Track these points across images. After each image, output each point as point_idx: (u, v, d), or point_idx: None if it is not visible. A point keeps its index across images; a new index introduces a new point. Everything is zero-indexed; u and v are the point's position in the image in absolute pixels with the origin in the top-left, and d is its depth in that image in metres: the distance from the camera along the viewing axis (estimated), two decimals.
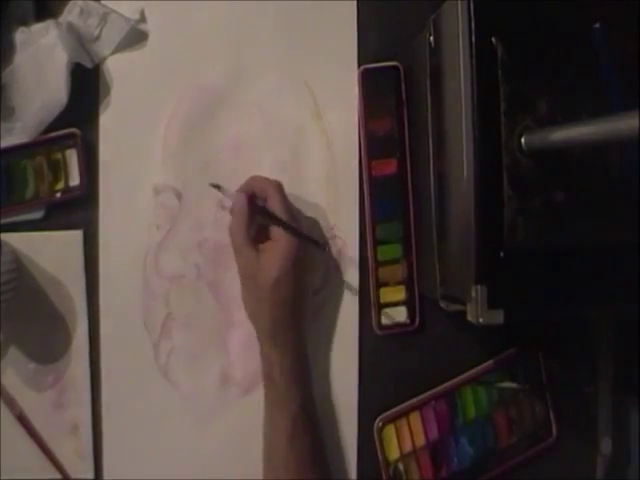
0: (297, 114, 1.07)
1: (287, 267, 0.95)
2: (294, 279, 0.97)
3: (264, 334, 0.99)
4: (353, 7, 1.07)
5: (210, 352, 1.07)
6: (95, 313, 1.07)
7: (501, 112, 0.80)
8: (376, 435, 1.06)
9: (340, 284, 1.08)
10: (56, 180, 1.05)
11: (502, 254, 0.81)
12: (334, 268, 1.08)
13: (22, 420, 1.06)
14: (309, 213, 1.07)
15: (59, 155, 1.05)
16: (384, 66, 1.06)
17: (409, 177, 1.07)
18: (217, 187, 1.03)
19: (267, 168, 1.06)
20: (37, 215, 1.06)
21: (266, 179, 1.01)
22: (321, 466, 1.00)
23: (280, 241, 0.96)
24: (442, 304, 0.96)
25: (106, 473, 1.07)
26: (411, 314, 1.08)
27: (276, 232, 0.98)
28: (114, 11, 1.03)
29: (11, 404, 1.06)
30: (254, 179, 1.02)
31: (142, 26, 1.06)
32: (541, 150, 0.78)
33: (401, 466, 1.06)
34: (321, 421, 1.02)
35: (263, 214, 0.99)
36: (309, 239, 0.97)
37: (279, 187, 1.00)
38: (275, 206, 0.98)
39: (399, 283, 1.08)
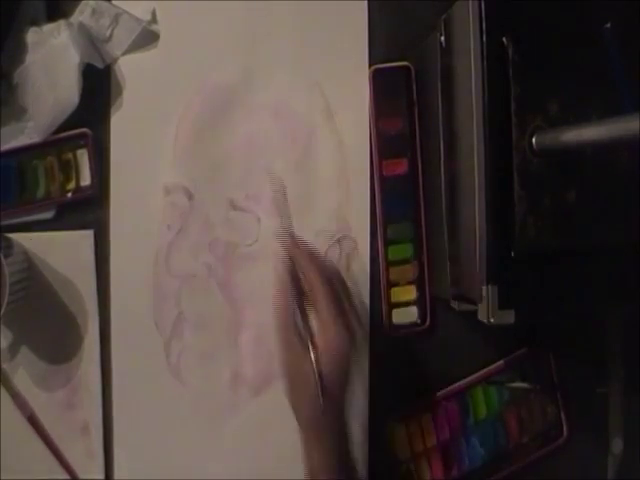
0: (308, 114, 1.07)
1: (331, 365, 0.88)
2: (337, 376, 0.89)
3: (303, 428, 0.92)
4: (364, 7, 1.07)
5: (221, 352, 1.07)
6: (106, 313, 1.07)
7: (512, 112, 0.79)
8: (387, 435, 1.06)
9: (351, 284, 1.08)
10: (67, 180, 1.06)
11: (513, 254, 0.81)
12: (345, 268, 1.08)
13: (32, 421, 1.06)
14: (320, 213, 1.07)
15: (70, 155, 1.05)
16: (395, 66, 1.06)
17: (420, 177, 1.06)
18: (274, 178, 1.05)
19: (279, 168, 1.06)
20: (48, 215, 1.06)
21: (314, 271, 0.91)
22: None
23: (326, 336, 0.88)
24: (453, 304, 0.96)
25: (116, 473, 1.07)
26: (422, 314, 1.08)
27: (320, 327, 0.89)
28: (126, 12, 1.03)
29: (22, 405, 1.06)
30: (303, 262, 0.93)
31: (153, 27, 1.06)
32: (552, 150, 0.78)
33: (412, 466, 1.06)
34: None
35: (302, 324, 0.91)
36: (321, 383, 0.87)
37: (326, 287, 0.89)
38: (319, 312, 0.88)
39: (410, 283, 1.08)
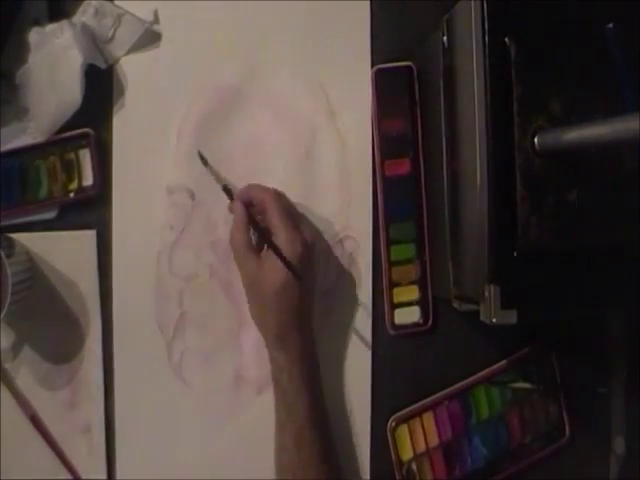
0: (311, 114, 1.08)
1: (290, 275, 0.94)
2: (299, 285, 0.95)
3: (271, 340, 0.98)
4: (366, 7, 1.07)
5: (223, 352, 1.07)
6: (108, 313, 1.07)
7: (514, 112, 0.79)
8: (389, 435, 1.06)
9: (353, 284, 1.08)
10: (69, 180, 1.06)
11: (515, 254, 0.81)
12: (347, 268, 1.08)
13: (34, 420, 1.06)
14: (322, 213, 1.07)
15: (72, 155, 1.05)
16: (397, 66, 1.06)
17: (422, 177, 1.06)
18: (204, 160, 1.05)
19: (281, 168, 1.06)
20: (50, 215, 1.06)
21: (263, 189, 1.00)
22: (331, 472, 0.99)
23: (282, 248, 0.94)
24: (455, 304, 0.96)
25: (119, 473, 1.07)
26: (424, 314, 1.07)
27: (278, 239, 0.95)
28: (128, 12, 1.04)
29: (24, 405, 1.06)
30: (252, 188, 1.01)
31: (156, 27, 1.06)
32: (554, 150, 0.78)
33: (414, 466, 1.06)
34: (333, 428, 1.02)
35: (255, 229, 0.98)
36: (289, 266, 0.93)
37: (276, 197, 0.98)
38: (272, 219, 0.96)
39: (412, 283, 1.07)
